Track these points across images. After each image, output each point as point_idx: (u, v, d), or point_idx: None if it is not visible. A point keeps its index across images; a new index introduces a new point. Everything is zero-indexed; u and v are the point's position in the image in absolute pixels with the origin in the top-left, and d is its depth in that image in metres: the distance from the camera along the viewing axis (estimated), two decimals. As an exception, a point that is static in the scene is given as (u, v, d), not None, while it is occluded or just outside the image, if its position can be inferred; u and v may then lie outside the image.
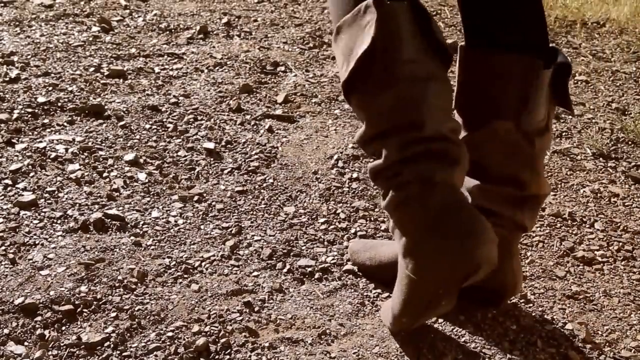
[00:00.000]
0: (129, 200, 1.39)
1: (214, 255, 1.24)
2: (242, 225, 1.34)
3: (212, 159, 1.57)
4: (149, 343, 1.04)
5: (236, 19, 2.49)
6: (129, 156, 1.54)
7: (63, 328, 1.06)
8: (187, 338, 1.05)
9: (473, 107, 1.03)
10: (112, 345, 1.03)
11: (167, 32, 2.32)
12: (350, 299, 1.16)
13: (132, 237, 1.28)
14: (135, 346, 1.03)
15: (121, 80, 1.93)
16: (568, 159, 1.70)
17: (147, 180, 1.46)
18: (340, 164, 1.58)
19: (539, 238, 1.37)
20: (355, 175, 1.54)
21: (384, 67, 0.90)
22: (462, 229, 0.89)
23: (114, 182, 1.44)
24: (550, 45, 1.00)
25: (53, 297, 1.11)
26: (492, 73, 0.99)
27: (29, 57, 2.02)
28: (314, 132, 1.74)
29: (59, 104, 1.75)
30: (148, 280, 1.17)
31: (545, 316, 1.15)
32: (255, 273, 1.21)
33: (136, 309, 1.11)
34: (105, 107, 1.75)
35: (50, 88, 1.83)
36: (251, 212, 1.39)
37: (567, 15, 2.77)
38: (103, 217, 1.32)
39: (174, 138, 1.65)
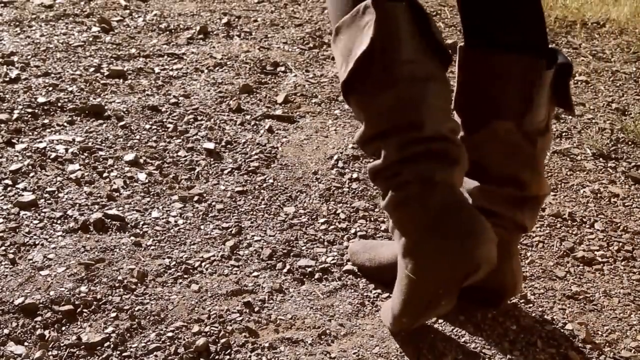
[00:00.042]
0: (129, 201, 1.39)
1: (214, 256, 1.24)
2: (242, 226, 1.34)
3: (212, 159, 1.57)
4: (149, 343, 1.04)
5: (236, 19, 2.49)
6: (129, 156, 1.54)
7: (63, 328, 1.06)
8: (187, 338, 1.05)
9: (473, 108, 1.03)
10: (112, 346, 1.03)
11: (167, 33, 2.32)
12: (350, 299, 1.16)
13: (132, 238, 1.28)
14: (135, 346, 1.03)
15: (121, 81, 1.93)
16: (568, 159, 1.70)
17: (147, 181, 1.47)
18: (340, 164, 1.58)
19: (539, 238, 1.37)
20: (355, 175, 1.54)
21: (383, 68, 0.90)
22: (462, 229, 0.89)
23: (114, 183, 1.44)
24: (550, 46, 1.00)
25: (53, 297, 1.11)
26: (492, 73, 0.99)
27: (29, 57, 2.02)
28: (314, 132, 1.74)
29: (59, 104, 1.75)
30: (148, 280, 1.17)
31: (545, 316, 1.15)
32: (255, 273, 1.21)
33: (136, 309, 1.11)
34: (105, 107, 1.75)
35: (50, 88, 1.83)
36: (251, 213, 1.39)
37: (567, 15, 2.77)
38: (103, 217, 1.32)
39: (174, 138, 1.65)
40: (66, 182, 1.44)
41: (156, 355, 1.02)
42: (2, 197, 1.37)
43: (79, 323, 1.07)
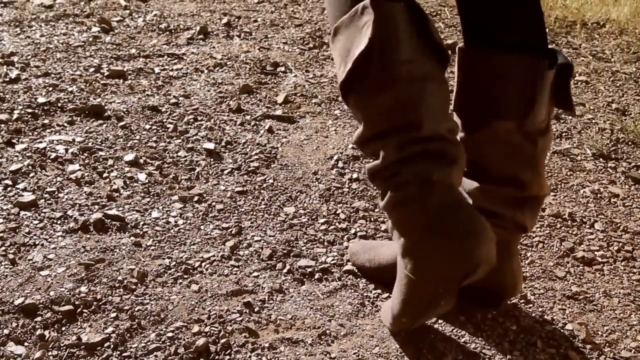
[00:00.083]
0: (129, 201, 1.39)
1: (214, 256, 1.24)
2: (242, 226, 1.34)
3: (212, 160, 1.57)
4: (149, 343, 1.04)
5: (236, 20, 2.49)
6: (129, 156, 1.54)
7: (63, 328, 1.06)
8: (187, 338, 1.05)
9: (473, 108, 1.03)
10: (112, 346, 1.03)
11: (167, 33, 2.32)
12: (350, 299, 1.16)
13: (132, 238, 1.28)
14: (135, 347, 1.03)
15: (121, 81, 1.93)
16: (568, 159, 1.70)
17: (147, 181, 1.47)
18: (340, 164, 1.58)
19: (539, 238, 1.37)
20: (355, 175, 1.54)
21: (382, 68, 0.90)
22: (461, 228, 0.89)
23: (114, 183, 1.45)
24: (550, 46, 1.00)
25: (53, 297, 1.11)
26: (493, 73, 0.99)
27: (29, 57, 2.02)
28: (314, 132, 1.74)
29: (59, 105, 1.75)
30: (148, 280, 1.17)
31: (545, 317, 1.15)
32: (255, 273, 1.21)
33: (136, 309, 1.11)
34: (105, 107, 1.76)
35: (51, 88, 1.83)
36: (251, 213, 1.39)
37: (567, 15, 2.77)
38: (103, 218, 1.32)
39: (174, 138, 1.65)
40: (66, 183, 1.44)
41: (156, 356, 1.02)
42: (2, 197, 1.37)
43: (79, 323, 1.07)
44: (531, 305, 1.18)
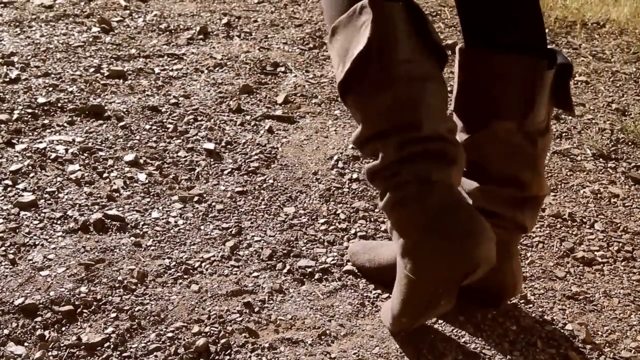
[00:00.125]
0: (129, 201, 1.39)
1: (214, 256, 1.24)
2: (242, 226, 1.34)
3: (212, 160, 1.57)
4: (149, 344, 1.04)
5: (236, 20, 2.49)
6: (129, 157, 1.54)
7: (63, 329, 1.06)
8: (187, 339, 1.05)
9: (473, 108, 1.03)
10: (112, 346, 1.03)
11: (167, 33, 2.32)
12: (350, 299, 1.16)
13: (132, 238, 1.28)
14: (135, 347, 1.03)
15: (121, 81, 1.93)
16: (568, 159, 1.70)
17: (147, 181, 1.47)
18: (340, 164, 1.58)
19: (539, 239, 1.37)
20: (355, 175, 1.54)
21: (380, 68, 0.90)
22: (461, 228, 0.89)
23: (114, 183, 1.45)
24: (549, 46, 1.00)
25: (53, 297, 1.11)
26: (493, 73, 0.99)
27: (29, 57, 2.02)
28: (314, 132, 1.74)
29: (59, 105, 1.75)
30: (148, 280, 1.17)
31: (545, 317, 1.15)
32: (255, 274, 1.21)
33: (136, 309, 1.11)
34: (105, 107, 1.76)
35: (51, 89, 1.83)
36: (251, 213, 1.39)
37: (567, 15, 2.77)
38: (103, 218, 1.32)
39: (174, 139, 1.65)
40: (66, 183, 1.44)
41: (156, 356, 1.02)
42: (2, 197, 1.37)
43: (79, 323, 1.08)
44: (531, 305, 1.18)
